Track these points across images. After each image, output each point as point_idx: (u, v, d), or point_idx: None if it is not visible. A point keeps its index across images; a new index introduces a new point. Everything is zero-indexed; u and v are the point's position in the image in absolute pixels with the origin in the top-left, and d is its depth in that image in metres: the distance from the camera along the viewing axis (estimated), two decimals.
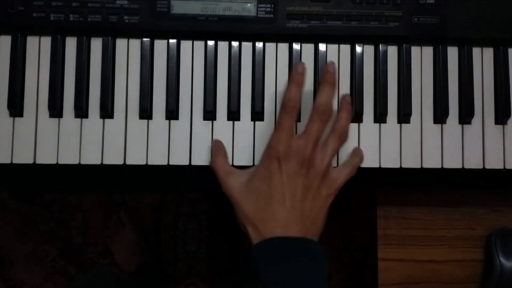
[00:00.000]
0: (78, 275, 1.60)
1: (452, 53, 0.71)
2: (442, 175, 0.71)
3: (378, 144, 0.70)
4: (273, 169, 0.61)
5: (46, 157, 0.67)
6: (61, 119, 0.68)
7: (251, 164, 0.69)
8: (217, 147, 0.68)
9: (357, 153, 0.68)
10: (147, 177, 0.68)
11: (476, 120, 0.71)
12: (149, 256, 1.55)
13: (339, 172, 0.64)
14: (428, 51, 0.72)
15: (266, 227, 0.60)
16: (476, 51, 0.72)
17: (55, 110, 0.67)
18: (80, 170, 0.69)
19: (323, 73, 0.65)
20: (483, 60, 0.72)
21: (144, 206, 1.61)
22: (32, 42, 0.68)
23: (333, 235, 1.59)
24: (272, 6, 0.68)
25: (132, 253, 1.53)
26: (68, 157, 0.67)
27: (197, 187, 0.72)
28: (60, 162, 0.67)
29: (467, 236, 0.82)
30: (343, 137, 0.65)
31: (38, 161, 0.67)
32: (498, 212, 0.83)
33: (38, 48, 0.68)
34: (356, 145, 0.70)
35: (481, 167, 0.70)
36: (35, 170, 0.69)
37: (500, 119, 0.71)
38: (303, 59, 0.71)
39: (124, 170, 0.69)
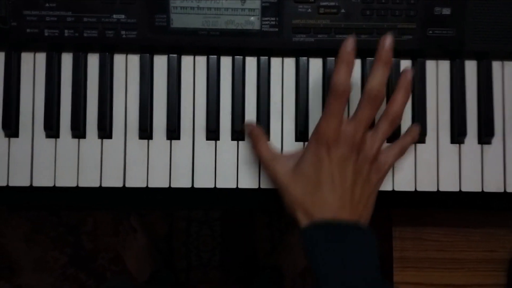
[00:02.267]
0: (88, 283, 1.59)
1: (470, 67, 0.67)
2: (460, 197, 0.66)
3: (392, 166, 0.66)
4: (322, 155, 0.58)
5: (43, 180, 0.65)
6: (58, 139, 0.65)
7: (256, 186, 0.66)
8: (256, 132, 0.64)
9: (411, 132, 0.64)
10: (151, 196, 0.65)
11: (497, 139, 0.66)
12: (161, 263, 1.53)
13: (387, 155, 0.61)
14: (444, 65, 0.67)
15: (317, 210, 0.58)
16: (496, 65, 0.67)
17: (51, 130, 0.64)
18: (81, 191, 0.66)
19: (378, 49, 0.58)
20: (504, 74, 0.67)
21: (155, 211, 1.59)
22: (26, 58, 0.66)
23: None
24: (277, 19, 0.65)
25: (144, 260, 1.51)
26: (66, 180, 0.65)
27: (205, 207, 0.69)
28: (57, 184, 0.65)
29: (487, 258, 0.78)
30: (395, 122, 0.60)
31: (35, 184, 0.65)
32: None
33: (33, 65, 0.66)
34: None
35: (502, 190, 0.66)
36: (33, 191, 0.66)
37: None
38: (310, 75, 0.67)
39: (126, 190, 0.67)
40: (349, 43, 0.57)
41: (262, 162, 0.63)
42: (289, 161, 0.62)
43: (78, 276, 1.60)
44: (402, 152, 0.62)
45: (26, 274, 1.59)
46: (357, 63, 0.67)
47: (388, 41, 0.58)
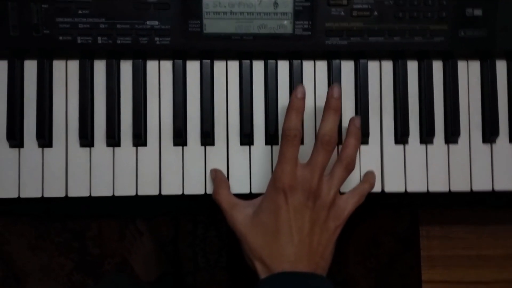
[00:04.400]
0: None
1: (501, 67, 0.68)
2: (491, 196, 0.67)
3: (425, 167, 0.66)
4: (279, 202, 0.58)
5: (78, 190, 0.64)
6: (92, 148, 0.64)
7: None
8: (218, 178, 0.64)
9: (368, 178, 0.65)
10: (187, 203, 0.65)
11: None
12: (168, 266, 1.52)
13: (346, 202, 0.62)
14: (475, 65, 0.68)
15: (274, 262, 0.58)
16: None
17: (86, 139, 0.64)
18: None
19: (327, 97, 0.61)
20: None
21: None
22: (58, 66, 0.65)
23: (357, 240, 1.56)
24: (310, 22, 0.65)
25: (151, 263, 1.50)
26: (101, 189, 0.64)
27: None
28: (93, 194, 0.64)
29: None
30: (350, 166, 0.61)
31: (70, 194, 0.64)
32: None
33: (65, 73, 0.65)
34: (403, 168, 0.66)
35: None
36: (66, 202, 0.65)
37: None
38: (342, 77, 0.67)
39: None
40: (299, 92, 0.60)
41: (222, 209, 0.62)
42: (248, 208, 0.61)
43: (85, 282, 1.58)
44: (361, 200, 0.63)
45: (31, 282, 1.57)
46: (389, 64, 0.67)
47: (336, 91, 0.60)
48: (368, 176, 0.65)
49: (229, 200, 0.62)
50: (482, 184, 0.66)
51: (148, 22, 0.63)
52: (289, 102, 0.60)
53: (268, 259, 0.58)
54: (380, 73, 0.67)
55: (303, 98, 0.60)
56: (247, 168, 0.66)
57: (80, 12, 0.62)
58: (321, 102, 0.66)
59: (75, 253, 1.58)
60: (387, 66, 0.67)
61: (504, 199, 0.69)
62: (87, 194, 0.64)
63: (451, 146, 0.67)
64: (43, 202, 0.65)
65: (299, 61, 0.67)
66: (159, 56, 0.66)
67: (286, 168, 0.58)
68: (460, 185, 0.66)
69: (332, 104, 0.60)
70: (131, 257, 1.55)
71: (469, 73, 0.68)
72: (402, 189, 0.66)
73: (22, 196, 0.63)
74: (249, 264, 0.61)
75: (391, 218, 1.54)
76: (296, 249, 0.58)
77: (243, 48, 0.65)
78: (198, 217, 1.58)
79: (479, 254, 0.77)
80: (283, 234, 0.58)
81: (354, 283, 1.58)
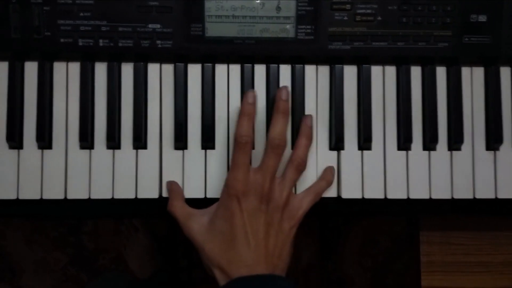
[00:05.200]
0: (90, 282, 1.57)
1: (505, 73, 0.67)
2: (493, 203, 0.67)
3: (428, 174, 0.66)
4: (233, 208, 0.59)
5: (77, 192, 0.64)
6: (92, 150, 0.64)
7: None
8: (173, 190, 0.64)
9: (325, 176, 0.65)
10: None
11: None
12: (163, 262, 1.52)
13: (301, 201, 0.62)
14: (479, 72, 0.67)
15: (232, 268, 0.58)
16: None
17: (86, 141, 0.63)
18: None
19: (275, 100, 0.62)
20: None
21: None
22: (59, 68, 0.64)
23: (354, 239, 1.56)
24: (313, 27, 0.64)
25: (146, 259, 1.50)
26: (101, 192, 0.64)
27: None
28: (92, 197, 0.64)
29: None
30: (300, 167, 0.62)
31: (69, 197, 0.64)
32: None
33: (65, 75, 0.65)
34: (405, 175, 0.66)
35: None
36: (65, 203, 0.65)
37: None
38: (345, 82, 0.66)
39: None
40: (250, 97, 0.61)
41: (178, 221, 0.62)
42: (203, 217, 0.61)
43: (80, 277, 1.58)
44: (317, 198, 0.63)
45: (27, 276, 1.58)
46: (392, 70, 0.67)
47: (283, 93, 0.62)
48: (326, 173, 0.65)
49: (183, 211, 0.62)
50: (485, 192, 0.66)
51: (150, 25, 0.63)
52: (241, 108, 0.61)
53: (226, 266, 0.58)
54: (384, 78, 0.67)
55: (254, 103, 0.61)
56: None
57: (81, 14, 0.62)
58: (323, 107, 0.66)
59: (70, 248, 1.58)
60: (391, 71, 0.67)
61: (506, 207, 0.68)
62: (87, 197, 0.64)
63: (454, 153, 0.66)
64: (41, 204, 0.64)
65: (302, 65, 0.66)
66: (161, 59, 0.65)
67: (238, 174, 0.59)
68: (463, 193, 0.66)
69: (281, 106, 0.62)
70: (126, 252, 1.54)
71: (473, 79, 0.67)
72: (404, 196, 0.66)
73: (20, 197, 0.63)
74: (209, 273, 0.61)
75: (388, 218, 1.54)
76: (253, 253, 0.58)
77: (245, 52, 0.64)
78: None
79: (479, 260, 0.77)
80: (239, 239, 0.58)
81: (349, 282, 1.57)
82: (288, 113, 0.62)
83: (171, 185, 0.64)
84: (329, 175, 0.65)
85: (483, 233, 0.78)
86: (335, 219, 1.56)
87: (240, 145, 0.60)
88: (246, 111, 0.61)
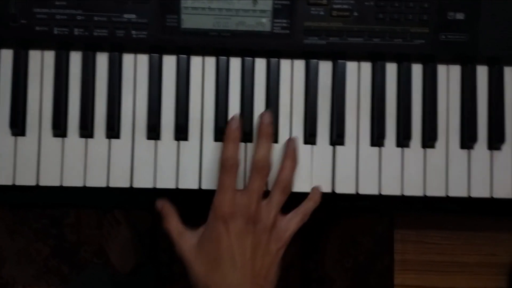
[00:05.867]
0: (71, 275, 1.58)
1: (482, 72, 0.67)
2: (468, 202, 0.66)
3: (401, 170, 0.66)
4: (220, 230, 0.59)
5: (49, 179, 0.64)
6: (65, 139, 0.64)
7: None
8: (165, 209, 0.64)
9: (312, 196, 0.65)
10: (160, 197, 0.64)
11: (507, 146, 0.66)
12: (144, 256, 1.52)
13: (288, 222, 0.63)
14: (456, 70, 0.67)
15: None
16: (508, 70, 0.67)
17: (59, 129, 0.64)
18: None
19: (259, 124, 0.63)
20: None
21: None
22: (34, 56, 0.65)
23: (336, 239, 1.55)
24: (289, 21, 0.64)
25: (127, 253, 1.50)
26: (73, 179, 0.64)
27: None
28: (64, 184, 0.64)
29: (489, 262, 0.77)
30: (286, 190, 0.63)
31: (41, 183, 0.64)
32: None
33: (40, 63, 0.65)
34: (377, 171, 0.66)
35: (511, 196, 0.66)
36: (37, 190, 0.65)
37: None
38: (320, 77, 0.66)
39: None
40: (233, 122, 0.62)
41: (170, 237, 0.63)
42: (194, 237, 0.62)
43: (61, 268, 1.60)
44: (304, 218, 0.63)
45: (8, 266, 1.59)
46: (368, 66, 0.67)
47: (266, 117, 0.63)
48: (313, 193, 0.65)
49: (178, 229, 0.63)
50: (458, 190, 0.66)
51: (125, 15, 0.63)
52: (226, 133, 0.61)
53: (213, 286, 0.59)
54: (359, 74, 0.67)
55: (238, 128, 0.62)
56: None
57: (57, 3, 0.62)
58: (297, 102, 0.66)
59: (52, 239, 1.59)
60: (366, 67, 0.67)
61: (482, 206, 0.68)
62: (58, 184, 0.64)
63: (428, 150, 0.66)
64: (19, 190, 0.65)
65: (277, 59, 0.66)
66: (136, 49, 0.65)
67: (224, 197, 0.59)
68: (436, 190, 0.66)
69: (264, 130, 0.62)
70: (107, 245, 1.55)
71: (449, 77, 0.67)
72: (376, 192, 0.65)
73: None
74: None
75: (370, 218, 1.53)
76: (239, 274, 0.59)
77: (220, 44, 0.64)
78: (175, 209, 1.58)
79: (453, 260, 0.77)
80: (225, 260, 0.59)
81: (330, 282, 1.57)
82: (272, 137, 0.62)
83: (163, 204, 0.65)
84: (316, 195, 0.65)
85: (458, 233, 0.77)
86: (317, 219, 1.56)
87: (227, 168, 0.60)
88: (231, 136, 0.61)
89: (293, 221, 0.63)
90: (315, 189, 0.65)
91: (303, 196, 0.65)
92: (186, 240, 0.62)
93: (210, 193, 0.61)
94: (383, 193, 0.65)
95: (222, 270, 0.59)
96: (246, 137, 0.65)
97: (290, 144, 0.64)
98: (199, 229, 0.63)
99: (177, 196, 0.65)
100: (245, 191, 0.61)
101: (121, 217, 1.54)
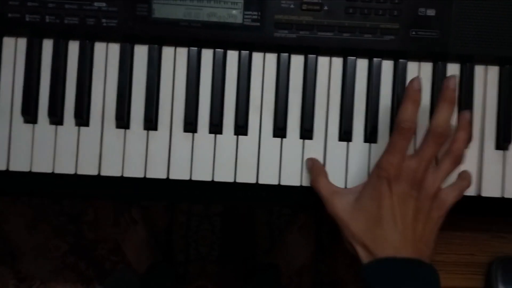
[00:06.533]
0: (87, 272, 1.60)
1: (453, 70, 0.66)
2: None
3: (368, 165, 0.65)
4: (383, 190, 0.59)
5: (19, 165, 0.65)
6: (35, 125, 0.65)
7: (232, 180, 0.66)
8: (316, 166, 0.65)
9: (465, 176, 0.64)
10: (123, 186, 0.65)
11: (475, 144, 0.66)
12: (160, 256, 1.53)
13: (447, 194, 0.61)
14: (427, 67, 0.66)
15: (378, 247, 0.58)
16: (479, 69, 0.66)
17: (29, 116, 0.65)
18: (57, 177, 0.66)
19: (442, 89, 0.60)
20: (487, 79, 0.66)
21: (156, 204, 1.59)
22: (8, 43, 0.66)
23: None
24: (259, 13, 0.64)
25: (143, 252, 1.51)
26: (42, 166, 0.65)
27: (180, 200, 0.69)
28: (33, 170, 0.65)
29: (467, 262, 0.77)
30: (458, 160, 0.61)
31: (11, 168, 0.65)
32: (502, 238, 0.77)
33: (14, 50, 0.66)
34: (344, 165, 0.66)
35: (477, 194, 0.66)
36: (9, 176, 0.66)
37: (500, 144, 0.65)
38: (291, 71, 0.66)
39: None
40: (416, 83, 0.59)
41: (321, 197, 0.63)
42: (349, 195, 0.62)
43: (78, 265, 1.61)
44: (460, 195, 0.62)
45: (27, 261, 1.61)
46: (339, 61, 0.67)
47: (451, 82, 0.59)
48: (466, 174, 0.64)
49: (329, 187, 0.63)
50: None
51: (95, 4, 0.64)
52: (406, 93, 0.59)
53: (372, 244, 0.58)
54: (330, 69, 0.67)
55: (420, 90, 0.59)
56: (189, 155, 0.66)
57: None
58: (268, 95, 0.66)
59: (70, 236, 1.60)
60: (337, 63, 0.67)
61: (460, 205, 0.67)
62: (28, 169, 0.65)
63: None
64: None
65: (248, 52, 0.66)
66: (108, 38, 0.66)
67: (393, 159, 0.58)
68: None
69: (448, 95, 0.59)
70: (124, 244, 1.56)
71: (420, 74, 0.66)
72: (342, 186, 0.65)
73: None
74: (349, 249, 0.62)
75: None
76: (401, 235, 0.58)
77: (191, 35, 0.65)
78: (192, 209, 1.59)
79: (431, 259, 0.76)
80: (386, 221, 0.58)
81: (342, 285, 1.57)
82: (455, 103, 0.60)
83: (313, 161, 0.65)
84: (469, 176, 0.64)
85: None
86: (331, 223, 1.55)
87: (402, 130, 0.58)
88: (412, 97, 0.59)
89: (451, 194, 0.61)
90: (466, 171, 0.65)
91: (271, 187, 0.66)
92: (341, 198, 0.62)
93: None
94: (350, 187, 0.65)
95: (382, 229, 0.58)
96: (216, 128, 0.66)
97: (464, 116, 0.62)
98: (355, 188, 0.63)
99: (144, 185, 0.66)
100: (415, 155, 0.59)
101: (138, 216, 1.55)
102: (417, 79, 0.59)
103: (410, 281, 0.56)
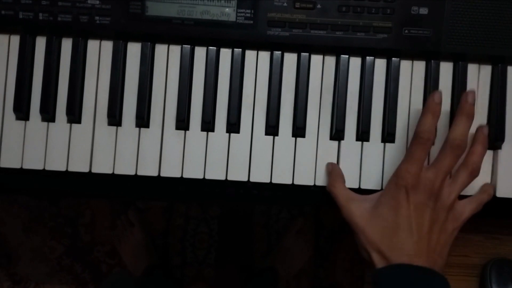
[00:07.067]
0: (83, 274, 1.59)
1: (446, 69, 0.66)
2: None
3: (359, 164, 0.65)
4: (400, 198, 0.60)
5: (10, 162, 0.65)
6: (27, 122, 0.65)
7: (223, 178, 0.65)
8: (334, 171, 0.65)
9: (486, 189, 0.65)
10: (118, 184, 0.65)
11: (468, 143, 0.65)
12: (156, 259, 1.53)
13: (464, 206, 0.62)
14: (420, 66, 0.66)
15: (393, 254, 0.59)
16: (472, 67, 0.66)
17: (21, 112, 0.65)
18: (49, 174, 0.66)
19: (461, 102, 0.61)
20: (479, 77, 0.66)
21: (153, 207, 1.59)
22: (1, 40, 0.66)
23: (346, 247, 1.54)
24: (252, 11, 0.64)
25: (140, 255, 1.51)
26: (33, 162, 0.65)
27: (171, 198, 0.69)
28: (24, 167, 0.65)
29: (461, 263, 0.77)
30: (474, 173, 0.62)
31: (2, 165, 0.65)
32: (496, 239, 0.77)
33: (7, 47, 0.66)
34: (335, 161, 0.66)
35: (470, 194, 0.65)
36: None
37: (493, 143, 0.65)
38: (284, 69, 0.66)
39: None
40: (437, 97, 0.60)
41: (337, 202, 0.63)
42: (365, 202, 0.63)
43: (74, 267, 1.61)
44: (478, 208, 0.63)
45: (23, 263, 1.61)
46: (331, 60, 0.67)
47: (470, 96, 0.60)
48: (487, 187, 0.65)
49: (345, 193, 0.64)
50: None
51: (89, 1, 0.64)
52: (426, 105, 0.61)
53: (387, 251, 0.59)
54: (323, 67, 0.67)
55: (440, 103, 0.60)
56: (181, 153, 0.65)
57: None
58: (261, 93, 0.66)
59: (67, 238, 1.60)
60: (330, 61, 0.67)
61: None
62: (19, 166, 0.65)
63: (388, 145, 0.66)
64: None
65: (240, 50, 0.66)
66: (101, 36, 0.66)
67: (411, 168, 0.59)
68: None
69: (466, 109, 0.60)
70: (120, 247, 1.56)
71: (413, 73, 0.66)
72: None
73: None
74: (364, 255, 0.62)
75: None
76: (416, 245, 0.59)
77: (184, 33, 0.65)
78: (190, 212, 1.59)
79: (443, 270, 0.76)
80: (402, 229, 0.59)
81: None
82: (473, 117, 0.61)
83: (332, 166, 0.65)
84: (490, 189, 0.65)
85: None
86: (330, 227, 1.55)
87: (421, 140, 0.59)
88: (432, 109, 0.60)
89: (468, 207, 0.62)
90: (487, 184, 0.66)
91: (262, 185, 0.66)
92: (358, 204, 0.62)
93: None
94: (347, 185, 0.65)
95: (398, 237, 0.59)
96: (208, 126, 0.66)
97: (482, 130, 0.63)
98: (371, 196, 0.63)
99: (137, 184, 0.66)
100: (432, 166, 0.60)
101: (134, 219, 1.55)
102: (438, 93, 0.60)
103: None
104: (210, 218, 1.60)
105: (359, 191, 0.65)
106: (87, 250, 1.60)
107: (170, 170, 0.65)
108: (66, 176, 0.66)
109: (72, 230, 1.60)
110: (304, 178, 0.65)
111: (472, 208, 0.62)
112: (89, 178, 0.66)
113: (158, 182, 0.66)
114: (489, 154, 0.66)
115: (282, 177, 0.65)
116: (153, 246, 1.55)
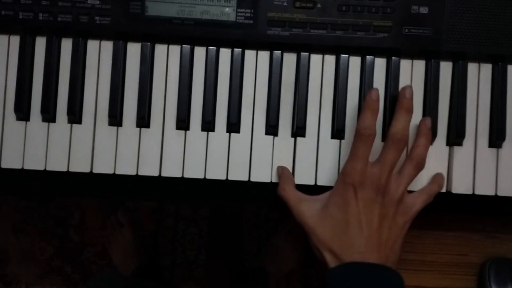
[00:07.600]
0: (74, 275, 1.59)
1: (446, 68, 0.66)
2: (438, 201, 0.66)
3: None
4: (348, 196, 0.60)
5: (11, 162, 0.65)
6: (28, 122, 0.65)
7: (224, 177, 0.65)
8: (284, 174, 0.65)
9: (437, 180, 0.66)
10: (119, 184, 0.65)
11: (468, 142, 0.66)
12: (146, 259, 1.53)
13: (414, 199, 0.63)
14: (420, 65, 0.66)
15: (344, 253, 0.59)
16: (472, 66, 0.66)
17: (22, 113, 0.65)
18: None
19: (399, 97, 0.62)
20: (480, 76, 0.66)
21: (143, 207, 1.59)
22: (1, 41, 0.66)
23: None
24: (252, 11, 0.64)
25: (129, 255, 1.51)
26: (34, 163, 0.65)
27: (172, 199, 0.69)
28: (25, 167, 0.65)
29: (459, 262, 0.77)
30: (420, 165, 0.62)
31: (3, 166, 0.65)
32: (495, 238, 0.77)
33: (7, 47, 0.66)
34: (337, 163, 0.66)
35: (471, 192, 0.65)
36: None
37: (494, 142, 0.65)
38: (284, 69, 0.66)
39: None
40: (374, 94, 0.61)
41: (288, 204, 0.64)
42: (315, 203, 0.63)
43: (64, 268, 1.61)
44: (429, 199, 0.63)
45: (13, 264, 1.60)
46: (331, 59, 0.67)
47: (408, 91, 0.62)
48: (437, 178, 0.66)
49: (295, 195, 0.64)
50: (415, 185, 0.65)
51: (89, 1, 0.64)
52: (365, 102, 0.61)
53: (339, 250, 0.59)
54: (322, 67, 0.67)
55: (378, 100, 0.61)
56: (181, 153, 0.66)
57: None
58: (260, 93, 0.66)
59: (57, 239, 1.60)
60: (330, 60, 0.67)
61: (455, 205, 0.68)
62: (20, 167, 0.65)
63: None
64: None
65: (240, 49, 0.66)
66: (101, 36, 0.66)
67: (356, 165, 0.60)
68: None
69: (404, 104, 0.61)
70: (110, 247, 1.56)
71: (413, 72, 0.66)
72: (330, 183, 0.65)
73: None
74: (317, 255, 0.62)
75: None
76: (366, 241, 0.59)
77: (183, 33, 0.65)
78: (180, 213, 1.59)
79: (422, 259, 0.76)
80: (352, 226, 0.59)
81: None
82: (411, 111, 0.62)
83: (283, 170, 0.66)
84: (441, 180, 0.66)
85: (429, 232, 0.76)
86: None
87: (363, 137, 0.60)
88: (370, 106, 0.61)
89: (419, 199, 0.63)
90: (438, 174, 0.66)
91: (262, 185, 0.66)
92: (308, 205, 0.63)
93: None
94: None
95: (349, 235, 0.59)
96: (208, 126, 0.66)
97: (425, 123, 0.63)
98: (321, 196, 0.63)
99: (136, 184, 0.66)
100: (377, 162, 0.61)
101: (124, 219, 1.54)
102: (375, 90, 0.61)
103: (374, 286, 0.57)
104: (200, 219, 1.60)
105: None
106: (77, 251, 1.60)
107: (171, 170, 0.65)
108: (67, 176, 0.66)
109: (62, 231, 1.60)
110: (305, 177, 0.66)
111: (423, 199, 0.63)
112: (89, 178, 0.66)
113: (159, 182, 0.66)
114: (490, 152, 0.66)
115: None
116: (143, 246, 1.55)
